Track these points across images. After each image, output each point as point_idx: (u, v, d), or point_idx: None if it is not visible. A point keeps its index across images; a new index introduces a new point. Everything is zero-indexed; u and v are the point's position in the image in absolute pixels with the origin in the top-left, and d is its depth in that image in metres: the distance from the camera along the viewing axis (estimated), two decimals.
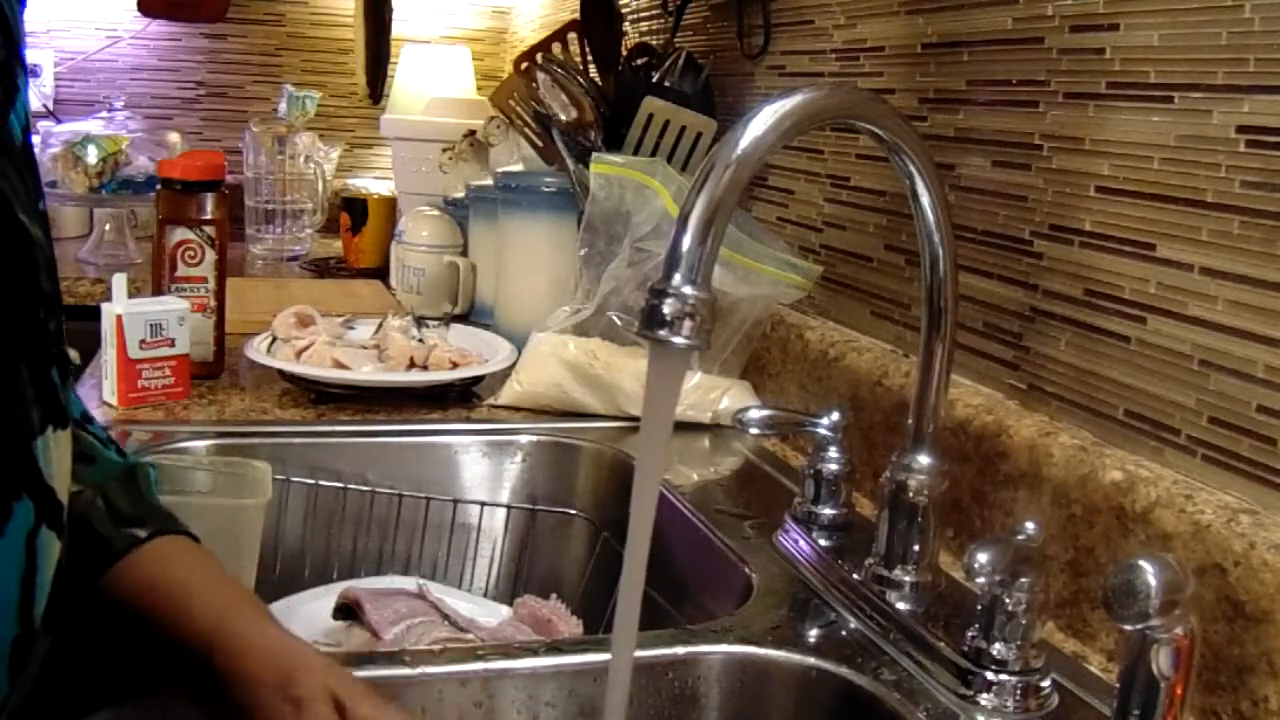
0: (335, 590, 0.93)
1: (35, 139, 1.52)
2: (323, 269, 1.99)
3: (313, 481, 1.04)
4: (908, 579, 0.75)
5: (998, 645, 0.64)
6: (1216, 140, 0.68)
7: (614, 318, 1.19)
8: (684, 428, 1.13)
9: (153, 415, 1.07)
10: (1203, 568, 0.64)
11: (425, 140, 1.82)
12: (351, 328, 1.29)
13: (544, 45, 1.46)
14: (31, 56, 2.13)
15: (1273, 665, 0.60)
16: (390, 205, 1.94)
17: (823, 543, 0.84)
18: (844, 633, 0.75)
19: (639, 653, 0.67)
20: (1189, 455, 0.70)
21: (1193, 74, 0.70)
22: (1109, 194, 0.77)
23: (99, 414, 1.06)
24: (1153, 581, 0.53)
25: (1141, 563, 0.53)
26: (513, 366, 1.18)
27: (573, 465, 1.10)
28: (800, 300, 1.16)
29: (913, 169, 0.68)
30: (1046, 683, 0.65)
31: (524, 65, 1.38)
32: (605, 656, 0.68)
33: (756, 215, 1.29)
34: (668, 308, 0.52)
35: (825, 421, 0.86)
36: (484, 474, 1.09)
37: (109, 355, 1.07)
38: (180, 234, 1.17)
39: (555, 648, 0.70)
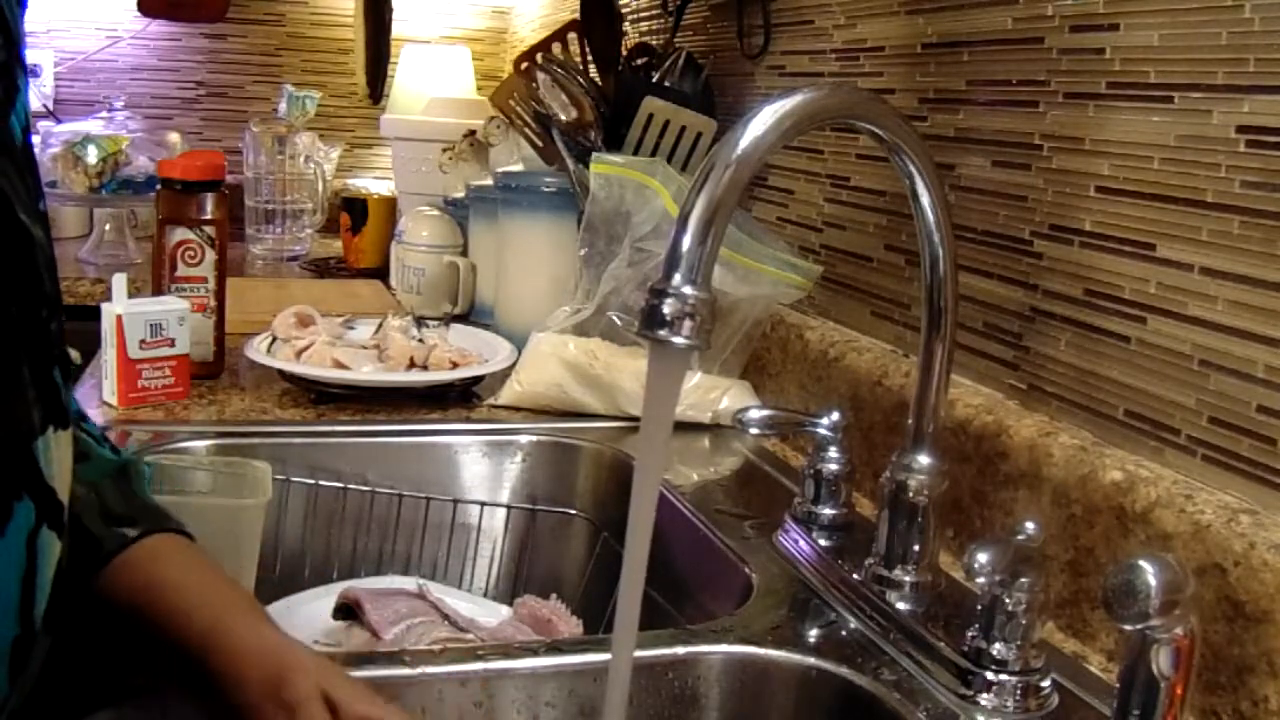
0: (335, 590, 0.93)
1: (35, 139, 1.52)
2: (323, 269, 1.99)
3: (313, 481, 1.04)
4: (908, 579, 0.75)
5: (998, 645, 0.64)
6: (1216, 140, 0.68)
7: (614, 318, 1.19)
8: (684, 428, 1.13)
9: (153, 415, 1.07)
10: (1203, 568, 0.64)
11: (425, 140, 1.82)
12: (351, 328, 1.29)
13: (544, 45, 1.46)
14: (31, 56, 2.13)
15: (1273, 665, 0.60)
16: (390, 205, 1.94)
17: (823, 543, 0.84)
18: (844, 633, 0.75)
19: (639, 653, 0.67)
20: (1189, 455, 0.70)
21: (1193, 74, 0.70)
22: (1109, 194, 0.77)
23: (99, 414, 1.06)
24: (1153, 581, 0.53)
25: (1141, 563, 0.53)
26: (513, 366, 1.18)
27: (573, 465, 1.10)
28: (800, 300, 1.16)
29: (913, 169, 0.68)
30: (1046, 683, 0.65)
31: (524, 65, 1.38)
32: (605, 656, 0.68)
33: (756, 215, 1.29)
34: (668, 308, 0.52)
35: (825, 421, 0.86)
36: (484, 474, 1.09)
37: (109, 355, 1.07)
38: (180, 234, 1.17)
39: (555, 648, 0.70)
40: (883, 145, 0.68)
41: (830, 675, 0.70)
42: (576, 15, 1.56)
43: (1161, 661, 0.56)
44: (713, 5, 1.42)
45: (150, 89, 2.34)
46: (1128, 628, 0.55)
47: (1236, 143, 0.67)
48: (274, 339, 1.20)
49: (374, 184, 2.41)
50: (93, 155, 1.85)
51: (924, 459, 0.74)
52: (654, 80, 1.35)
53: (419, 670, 0.66)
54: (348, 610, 0.89)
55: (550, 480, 1.10)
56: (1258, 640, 0.61)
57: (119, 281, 1.08)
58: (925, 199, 0.70)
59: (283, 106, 2.10)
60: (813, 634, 0.74)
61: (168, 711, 0.60)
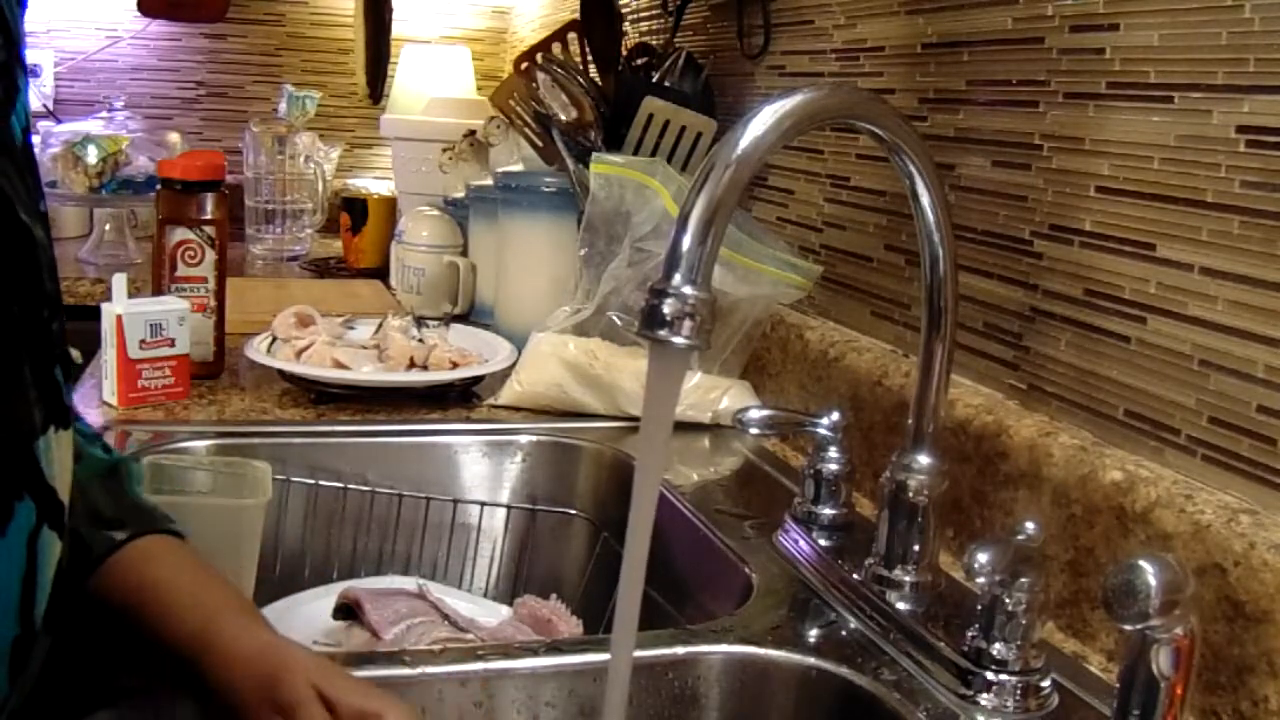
0: (335, 590, 0.93)
1: (35, 139, 1.52)
2: (323, 269, 1.99)
3: (313, 481, 1.04)
4: (908, 579, 0.75)
5: (998, 645, 0.64)
6: (1216, 140, 0.68)
7: (614, 318, 1.19)
8: (684, 428, 1.13)
9: (153, 415, 1.07)
10: (1203, 568, 0.64)
11: (425, 140, 1.82)
12: (351, 328, 1.29)
13: (544, 45, 1.46)
14: (31, 56, 2.13)
15: (1273, 665, 0.60)
16: (390, 205, 1.94)
17: (823, 543, 0.84)
18: (844, 633, 0.75)
19: (639, 653, 0.67)
20: (1189, 455, 0.70)
21: (1193, 74, 0.70)
22: (1109, 194, 0.77)
23: (98, 414, 1.06)
24: (1153, 581, 0.53)
25: (1141, 563, 0.53)
26: (513, 366, 1.18)
27: (573, 465, 1.10)
28: (800, 300, 1.16)
29: (913, 169, 0.69)
30: (1046, 683, 0.65)
31: (524, 65, 1.38)
32: (605, 656, 0.68)
33: (756, 215, 1.29)
34: (668, 308, 0.52)
35: (825, 421, 0.86)
36: (484, 474, 1.09)
37: (109, 355, 1.07)
38: (180, 234, 1.17)
39: (555, 648, 0.70)
40: (883, 145, 0.68)
41: (830, 675, 0.70)
42: (576, 15, 1.56)
43: (1161, 661, 0.56)
44: (713, 5, 1.42)
45: (150, 89, 2.34)
46: (1128, 628, 0.55)
47: (1236, 143, 0.67)
48: (274, 339, 1.20)
49: (374, 184, 2.41)
50: (93, 155, 1.85)
51: (924, 459, 0.74)
52: (654, 80, 1.35)
53: (419, 670, 0.66)
54: (348, 610, 0.89)
55: (550, 480, 1.10)
56: (1258, 640, 0.61)
57: (119, 281, 1.08)
58: (925, 199, 0.70)
59: (283, 106, 2.10)
60: (813, 634, 0.74)
61: (166, 712, 0.60)
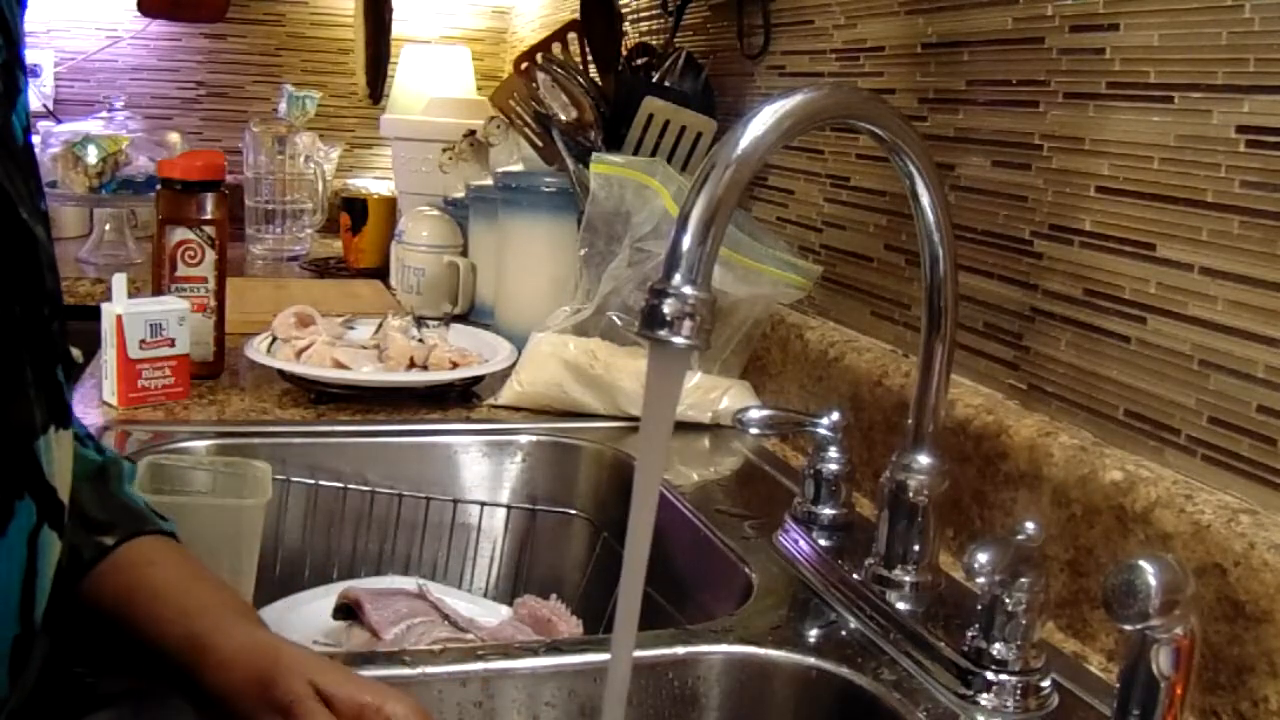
0: (335, 590, 0.93)
1: (35, 139, 1.52)
2: (323, 269, 1.99)
3: (313, 481, 1.04)
4: (908, 579, 0.75)
5: (998, 645, 0.64)
6: (1216, 140, 0.68)
7: (614, 318, 1.19)
8: (684, 428, 1.13)
9: (153, 415, 1.07)
10: (1203, 568, 0.64)
11: (425, 140, 1.82)
12: (351, 328, 1.29)
13: (544, 45, 1.46)
14: (31, 56, 2.13)
15: (1273, 665, 0.60)
16: (390, 205, 1.94)
17: (823, 543, 0.84)
18: (844, 633, 0.75)
19: (639, 653, 0.67)
20: (1189, 455, 0.70)
21: (1193, 74, 0.70)
22: (1109, 194, 0.77)
23: (99, 414, 1.06)
24: (1153, 581, 0.53)
25: (1141, 563, 0.53)
26: (513, 366, 1.18)
27: (573, 465, 1.10)
28: (800, 300, 1.16)
29: (913, 169, 0.69)
30: (1046, 683, 0.65)
31: (524, 65, 1.38)
32: (605, 656, 0.68)
33: (756, 215, 1.29)
34: (668, 308, 0.52)
35: (825, 421, 0.86)
36: (484, 474, 1.09)
37: (109, 355, 1.07)
38: (180, 234, 1.17)
39: (555, 648, 0.70)
40: (883, 145, 0.68)
41: (830, 675, 0.70)
42: (576, 15, 1.56)
43: (1161, 661, 0.56)
44: (713, 5, 1.42)
45: (150, 89, 2.34)
46: (1128, 628, 0.55)
47: (1236, 143, 0.67)
48: (274, 339, 1.20)
49: (374, 184, 2.41)
50: (93, 155, 1.85)
51: (924, 459, 0.74)
52: (654, 80, 1.35)
53: (419, 670, 0.66)
54: (348, 610, 0.89)
55: (550, 480, 1.10)
56: (1258, 640, 0.61)
57: (119, 281, 1.08)
58: (925, 199, 0.70)
59: (283, 106, 2.10)
60: (813, 634, 0.74)
61: (164, 713, 0.60)
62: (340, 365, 1.15)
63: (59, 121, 2.07)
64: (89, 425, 1.02)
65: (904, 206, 0.79)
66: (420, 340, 1.21)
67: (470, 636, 0.86)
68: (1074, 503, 0.74)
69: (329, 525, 1.04)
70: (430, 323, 1.29)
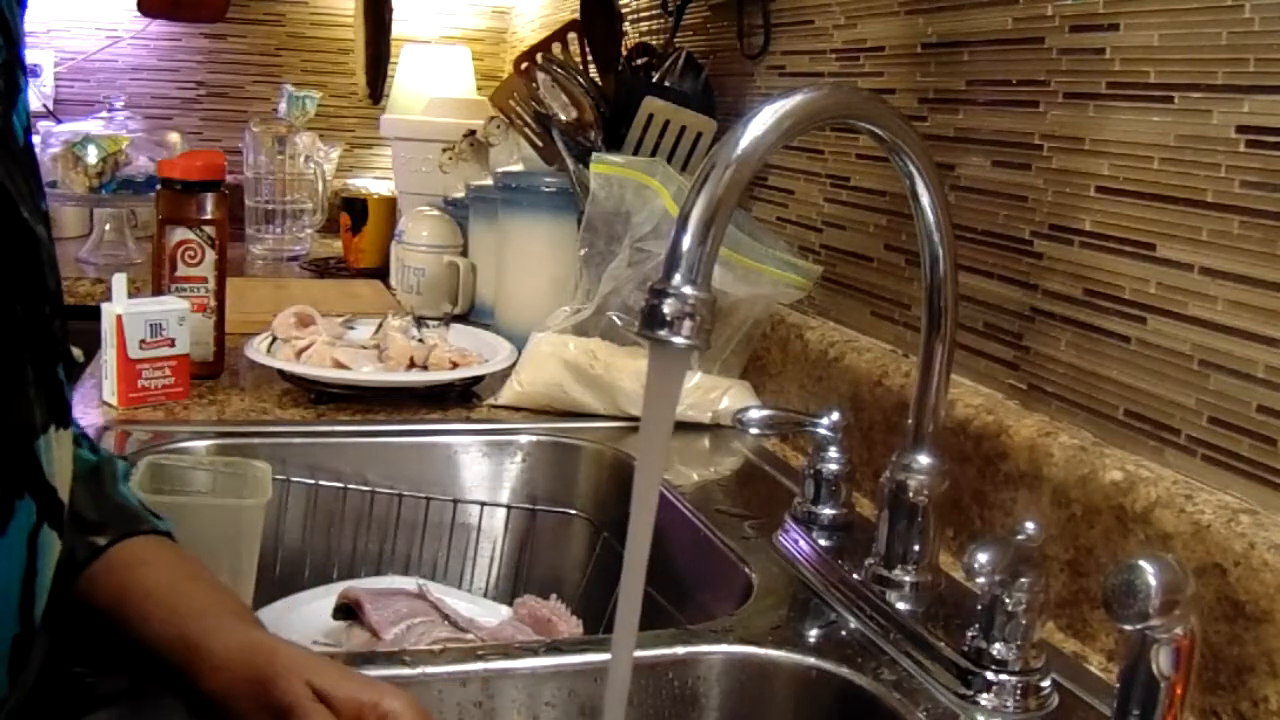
0: (335, 590, 0.93)
1: (35, 139, 1.52)
2: (323, 269, 1.99)
3: (313, 481, 1.03)
4: (908, 579, 0.75)
5: (998, 645, 0.64)
6: (1216, 140, 0.68)
7: (614, 318, 1.19)
8: (684, 428, 1.13)
9: (153, 415, 1.07)
10: (1203, 568, 0.64)
11: (425, 140, 1.82)
12: (351, 328, 1.29)
13: (544, 45, 1.46)
14: (31, 56, 2.13)
15: (1273, 665, 0.60)
16: (390, 205, 1.94)
17: (823, 543, 0.84)
18: (844, 633, 0.75)
19: (639, 653, 0.67)
20: (1189, 455, 0.70)
21: (1193, 74, 0.70)
22: (1109, 194, 0.77)
23: (99, 414, 1.06)
24: (1153, 581, 0.53)
25: (1141, 563, 0.53)
26: (513, 366, 1.18)
27: (573, 465, 1.10)
28: (800, 300, 1.16)
29: (913, 169, 0.69)
30: (1046, 683, 0.65)
31: (524, 65, 1.38)
32: (605, 656, 0.68)
33: (756, 215, 1.29)
34: (668, 308, 0.52)
35: (825, 421, 0.86)
36: (484, 474, 1.09)
37: (109, 355, 1.07)
38: (180, 234, 1.17)
39: (555, 648, 0.70)
40: (883, 145, 0.68)
41: (830, 675, 0.70)
42: (576, 15, 1.56)
43: (1161, 661, 0.56)
44: (713, 5, 1.42)
45: (150, 89, 2.34)
46: (1128, 628, 0.55)
47: (1236, 143, 0.67)
48: (274, 339, 1.20)
49: (374, 184, 2.41)
50: (93, 155, 1.85)
51: (924, 459, 0.74)
52: (654, 80, 1.35)
53: (419, 670, 0.66)
54: (348, 610, 0.89)
55: (550, 480, 1.10)
56: (1258, 640, 0.61)
57: (119, 281, 1.08)
58: (925, 199, 0.70)
59: (283, 106, 2.10)
60: (813, 634, 0.74)
61: (162, 713, 0.60)
62: (340, 365, 1.15)
63: (59, 121, 2.07)
64: (89, 425, 1.02)
65: (904, 206, 0.79)
66: (420, 340, 1.21)
67: (470, 636, 0.86)
68: (1074, 503, 0.74)
69: (329, 525, 1.04)
70: (430, 323, 1.29)
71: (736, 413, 0.90)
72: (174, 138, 2.11)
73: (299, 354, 1.17)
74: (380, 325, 1.26)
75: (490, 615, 0.96)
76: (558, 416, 1.15)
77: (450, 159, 1.67)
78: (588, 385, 1.14)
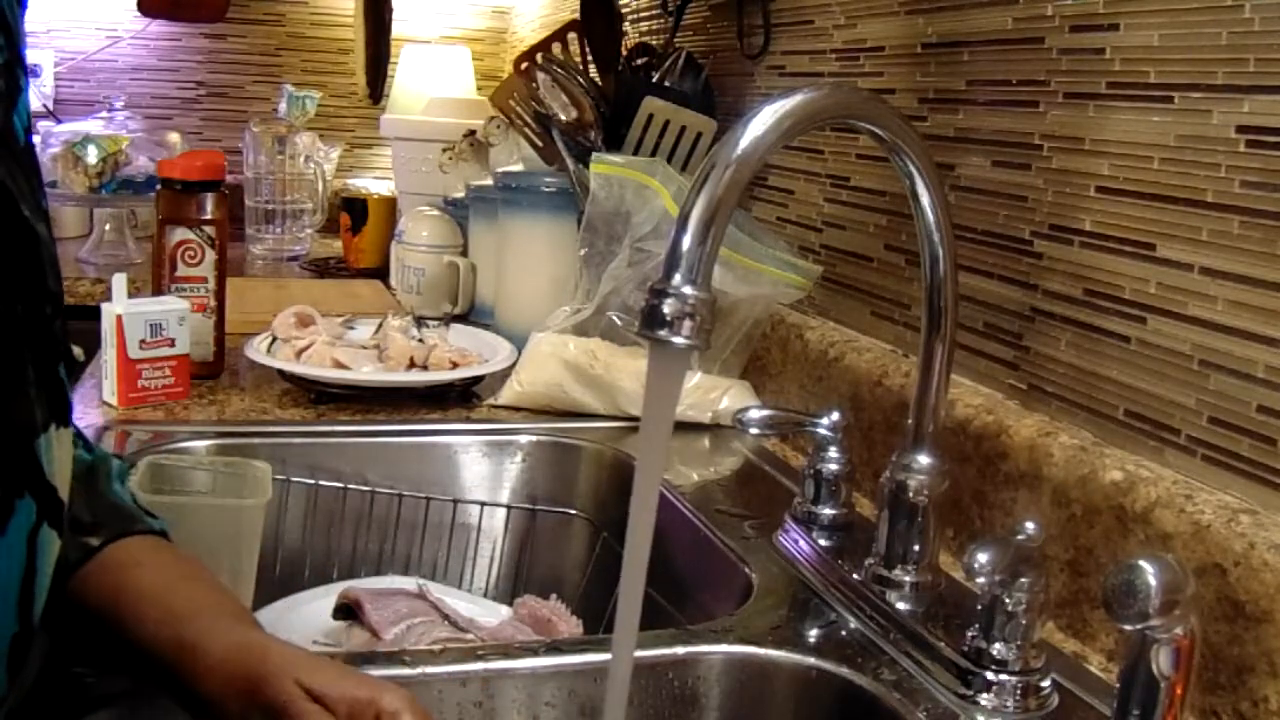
0: (335, 590, 0.93)
1: (35, 139, 1.52)
2: (323, 269, 1.99)
3: (313, 481, 1.04)
4: (908, 579, 0.75)
5: (998, 645, 0.64)
6: (1216, 140, 0.68)
7: (614, 318, 1.19)
8: (684, 428, 1.13)
9: (153, 415, 1.07)
10: (1203, 568, 0.64)
11: (425, 140, 1.82)
12: (351, 328, 1.29)
13: (544, 45, 1.46)
14: (31, 56, 2.13)
15: (1273, 665, 0.60)
16: (390, 205, 1.94)
17: (823, 543, 0.84)
18: (844, 633, 0.75)
19: (639, 653, 0.67)
20: (1189, 455, 0.70)
21: (1193, 74, 0.70)
22: (1109, 194, 0.77)
23: (99, 414, 1.06)
24: (1153, 581, 0.53)
25: (1141, 563, 0.53)
26: (513, 366, 1.18)
27: (573, 465, 1.10)
28: (800, 300, 1.16)
29: (913, 169, 0.69)
30: (1046, 683, 0.65)
31: (524, 65, 1.38)
32: (605, 656, 0.68)
33: (756, 215, 1.29)
34: (668, 308, 0.52)
35: (825, 421, 0.86)
36: (484, 474, 1.09)
37: (109, 355, 1.07)
38: (180, 234, 1.17)
39: (555, 648, 0.70)
40: (883, 145, 0.68)
41: (830, 675, 0.70)
42: (576, 15, 1.56)
43: (1161, 661, 0.56)
44: (713, 5, 1.42)
45: (150, 89, 2.34)
46: (1128, 628, 0.55)
47: (1236, 143, 0.67)
48: (274, 339, 1.20)
49: (374, 184, 2.41)
50: (93, 155, 1.85)
51: (924, 459, 0.74)
52: (654, 80, 1.35)
53: (419, 670, 0.66)
54: (348, 610, 0.89)
55: (550, 480, 1.10)
56: (1258, 640, 0.61)
57: (119, 281, 1.08)
58: (925, 199, 0.70)
59: (283, 106, 2.10)
60: (813, 634, 0.74)
61: (162, 713, 0.59)
62: (340, 365, 1.15)
63: (59, 121, 2.07)
64: (89, 425, 1.02)
65: (904, 206, 0.79)
66: (420, 340, 1.21)
67: (470, 636, 0.86)
68: (1074, 503, 0.74)
69: (329, 525, 1.04)
70: (430, 323, 1.29)
71: (736, 413, 0.90)
72: (174, 138, 2.11)
73: (299, 354, 1.17)
74: (380, 325, 1.26)
75: (490, 615, 0.96)
76: (558, 416, 1.15)
77: (450, 159, 1.67)
78: (588, 385, 1.14)
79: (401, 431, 1.08)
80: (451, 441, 1.09)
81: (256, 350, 1.16)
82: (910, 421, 0.75)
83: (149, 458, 0.86)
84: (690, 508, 0.94)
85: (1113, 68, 0.76)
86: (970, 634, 0.66)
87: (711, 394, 1.15)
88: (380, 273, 1.88)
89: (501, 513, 1.09)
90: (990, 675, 0.64)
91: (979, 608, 0.65)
